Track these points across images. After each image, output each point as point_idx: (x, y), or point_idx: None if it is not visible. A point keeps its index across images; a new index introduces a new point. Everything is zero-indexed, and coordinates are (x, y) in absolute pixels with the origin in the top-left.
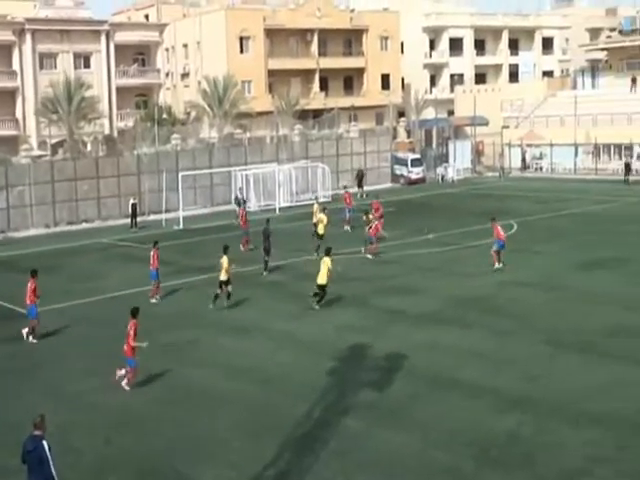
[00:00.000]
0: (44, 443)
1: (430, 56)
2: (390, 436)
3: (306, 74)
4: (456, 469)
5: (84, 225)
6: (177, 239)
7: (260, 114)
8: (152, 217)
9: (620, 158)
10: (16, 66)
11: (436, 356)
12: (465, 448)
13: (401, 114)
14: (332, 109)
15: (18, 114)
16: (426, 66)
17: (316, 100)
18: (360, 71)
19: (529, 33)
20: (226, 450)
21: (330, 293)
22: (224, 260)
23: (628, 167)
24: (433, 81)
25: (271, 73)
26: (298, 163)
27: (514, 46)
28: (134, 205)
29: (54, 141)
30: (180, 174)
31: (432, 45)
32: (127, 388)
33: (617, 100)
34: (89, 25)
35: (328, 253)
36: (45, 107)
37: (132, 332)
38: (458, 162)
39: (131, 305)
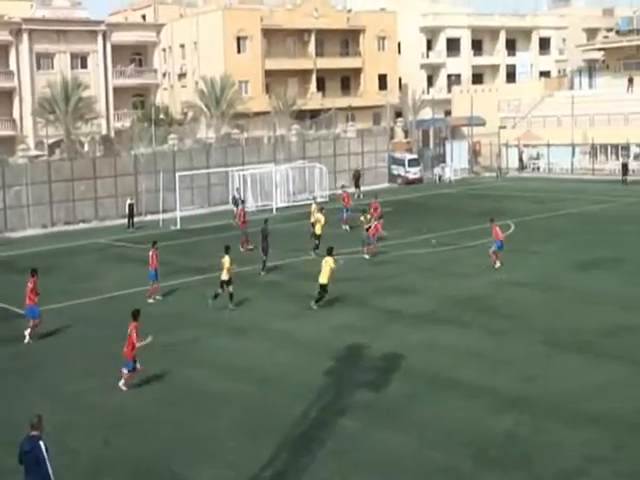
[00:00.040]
0: (41, 444)
1: (427, 56)
2: (387, 436)
3: (303, 74)
4: (454, 469)
5: (81, 225)
6: (174, 239)
7: (257, 114)
8: (149, 217)
9: (617, 158)
10: (13, 66)
11: (434, 356)
12: (463, 448)
13: (398, 114)
14: (329, 109)
15: (15, 114)
16: (423, 66)
17: (313, 100)
18: (357, 71)
19: (526, 33)
20: (223, 450)
21: (328, 293)
22: (226, 260)
23: (625, 167)
24: (430, 81)
25: (268, 73)
26: (295, 163)
27: (511, 46)
28: (131, 205)
29: (51, 141)
30: (177, 174)
31: (429, 45)
32: (124, 388)
33: (614, 100)
34: (86, 25)
35: (330, 252)
36: (42, 107)
37: (135, 334)
38: (455, 162)
39: (129, 305)
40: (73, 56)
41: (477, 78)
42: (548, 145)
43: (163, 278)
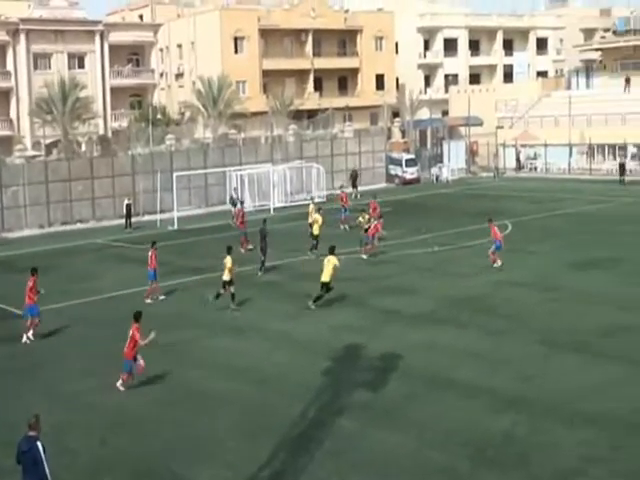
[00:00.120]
0: (38, 444)
1: (424, 56)
2: (385, 436)
3: (300, 74)
4: (451, 469)
5: (78, 225)
6: (172, 240)
7: (254, 114)
8: (146, 217)
9: (614, 158)
10: (10, 66)
11: (432, 356)
12: (460, 448)
13: (395, 114)
14: (326, 109)
15: (12, 114)
16: (420, 66)
17: (310, 100)
18: (354, 71)
19: (523, 33)
20: (222, 450)
21: (329, 293)
22: (227, 260)
23: (623, 167)
24: (427, 81)
25: (265, 73)
26: (293, 163)
27: (508, 46)
28: (128, 205)
29: (48, 141)
30: (174, 174)
31: (426, 45)
32: (122, 389)
33: (611, 100)
34: (83, 25)
35: (332, 252)
36: (39, 107)
37: (137, 334)
38: (452, 162)
39: (127, 305)
40: (70, 56)
41: (474, 78)
42: (545, 145)
43: (161, 278)
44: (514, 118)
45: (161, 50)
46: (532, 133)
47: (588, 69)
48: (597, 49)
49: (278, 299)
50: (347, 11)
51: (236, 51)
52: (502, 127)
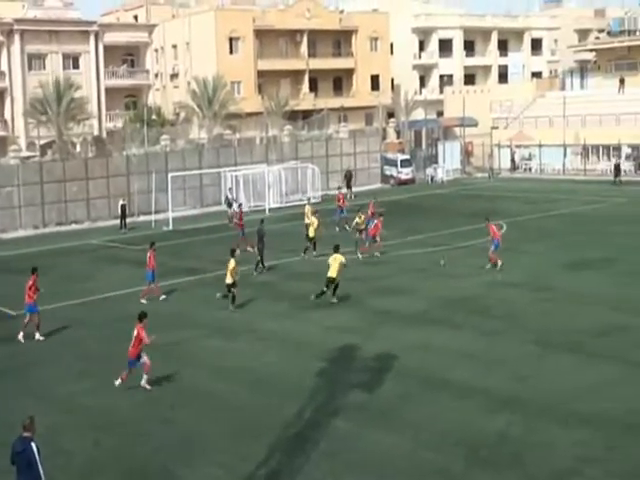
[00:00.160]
0: (33, 445)
1: (419, 57)
2: (380, 437)
3: (295, 75)
4: (446, 470)
5: (73, 226)
6: (167, 240)
7: (250, 115)
8: (142, 218)
9: (609, 159)
10: (4, 67)
11: (426, 357)
12: (455, 448)
13: (390, 115)
14: (322, 110)
15: (7, 115)
16: (415, 67)
17: (306, 101)
18: (349, 72)
19: (518, 34)
20: (216, 450)
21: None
22: (230, 263)
23: (618, 168)
24: (422, 82)
25: (260, 74)
26: (288, 164)
27: (503, 47)
28: (123, 206)
29: (43, 142)
30: (169, 175)
31: (421, 46)
32: (116, 383)
33: (605, 101)
34: (78, 26)
35: (337, 250)
36: (34, 108)
37: (143, 333)
38: (447, 163)
39: (123, 306)
40: (65, 56)
41: (469, 79)
42: (540, 146)
43: (157, 279)
44: (509, 119)
45: (156, 50)
46: (527, 134)
47: (582, 70)
48: (591, 50)
49: (273, 299)
50: (342, 12)
51: (231, 52)
52: (497, 128)
